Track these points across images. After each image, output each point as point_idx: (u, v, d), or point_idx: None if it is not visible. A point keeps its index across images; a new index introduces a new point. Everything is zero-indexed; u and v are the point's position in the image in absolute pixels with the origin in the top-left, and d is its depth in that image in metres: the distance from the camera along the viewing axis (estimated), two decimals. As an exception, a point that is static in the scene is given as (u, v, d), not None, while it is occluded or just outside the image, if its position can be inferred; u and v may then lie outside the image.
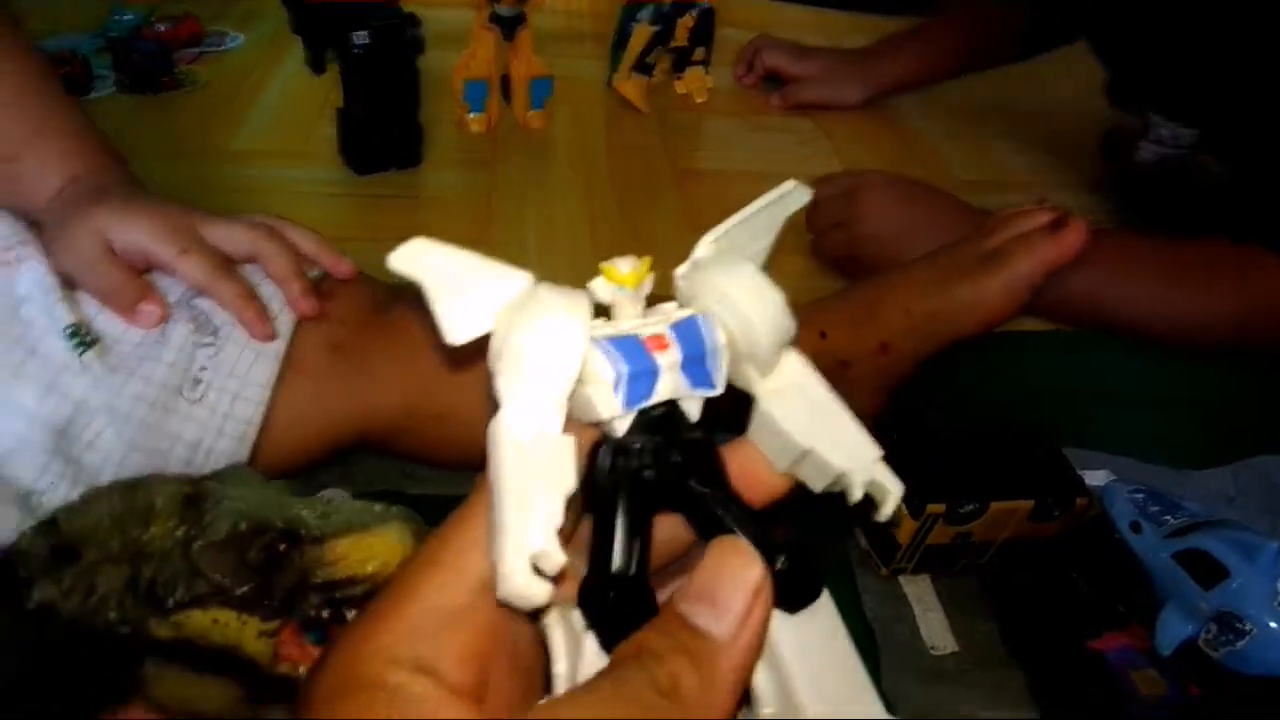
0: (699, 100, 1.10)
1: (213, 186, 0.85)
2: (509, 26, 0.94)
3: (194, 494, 0.38)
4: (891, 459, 0.47)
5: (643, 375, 0.23)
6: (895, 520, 0.49)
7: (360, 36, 0.80)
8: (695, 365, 0.24)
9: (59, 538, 0.36)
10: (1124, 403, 0.62)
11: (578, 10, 1.35)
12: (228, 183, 0.86)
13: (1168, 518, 0.46)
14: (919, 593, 0.52)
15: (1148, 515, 0.46)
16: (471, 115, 0.97)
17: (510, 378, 0.23)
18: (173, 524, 0.37)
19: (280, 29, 0.93)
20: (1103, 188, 0.94)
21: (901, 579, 0.52)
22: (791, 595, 0.23)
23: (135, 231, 0.48)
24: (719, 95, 1.11)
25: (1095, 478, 0.57)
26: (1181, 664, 0.46)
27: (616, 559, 0.22)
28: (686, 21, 1.05)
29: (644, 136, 1.01)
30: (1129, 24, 0.81)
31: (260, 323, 0.47)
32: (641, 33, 1.04)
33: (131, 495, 0.38)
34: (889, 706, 0.23)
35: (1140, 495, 0.47)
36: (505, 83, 0.99)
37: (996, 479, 0.49)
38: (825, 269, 0.77)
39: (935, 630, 0.50)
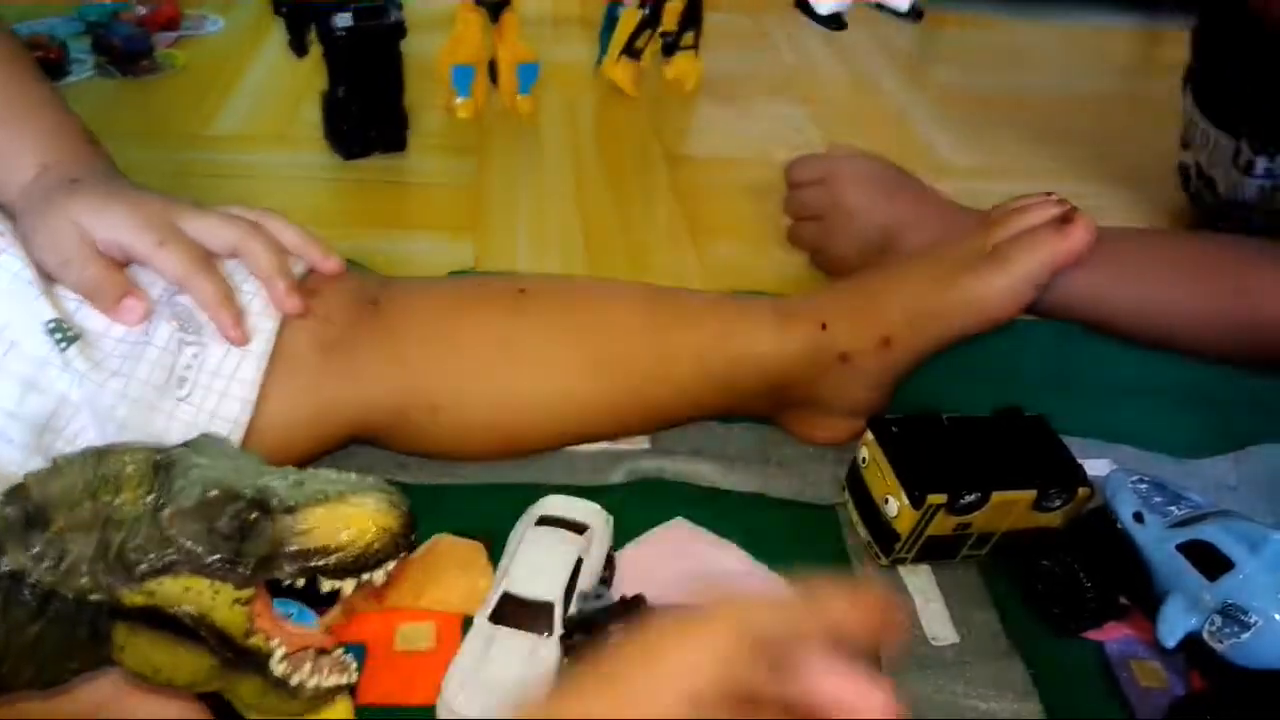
0: (689, 86, 1.08)
1: (194, 172, 0.83)
2: (494, 10, 0.92)
3: (164, 461, 0.37)
4: (893, 450, 0.46)
5: None
6: (896, 510, 0.48)
7: (342, 19, 0.78)
8: None
9: (29, 504, 0.35)
10: (1124, 391, 0.61)
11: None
12: (210, 168, 0.84)
13: (1171, 509, 0.45)
14: (920, 583, 0.51)
15: (1151, 506, 0.46)
16: (459, 100, 0.95)
17: None
18: (143, 490, 0.36)
19: (262, 12, 0.91)
20: (1189, 221, 0.90)
21: (901, 569, 0.51)
22: None
23: (112, 223, 0.46)
24: (710, 81, 1.09)
25: (1096, 467, 0.56)
26: (1185, 656, 0.46)
27: None
28: (675, 6, 1.04)
29: (634, 122, 1.00)
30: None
31: (235, 325, 0.46)
32: (629, 17, 1.02)
33: (102, 462, 0.37)
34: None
35: (1144, 485, 0.47)
36: (492, 68, 0.97)
37: (998, 469, 0.48)
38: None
39: (936, 621, 0.49)
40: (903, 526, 0.48)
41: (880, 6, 1.09)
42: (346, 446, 0.52)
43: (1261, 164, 0.73)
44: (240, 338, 0.46)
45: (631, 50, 1.04)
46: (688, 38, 1.07)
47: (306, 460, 0.50)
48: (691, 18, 1.05)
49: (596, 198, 0.85)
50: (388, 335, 0.49)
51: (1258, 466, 0.56)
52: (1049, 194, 0.54)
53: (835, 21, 1.07)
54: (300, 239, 0.50)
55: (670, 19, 1.04)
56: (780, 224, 0.76)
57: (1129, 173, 0.97)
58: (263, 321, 0.47)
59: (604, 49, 1.05)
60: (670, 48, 1.08)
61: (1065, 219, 0.52)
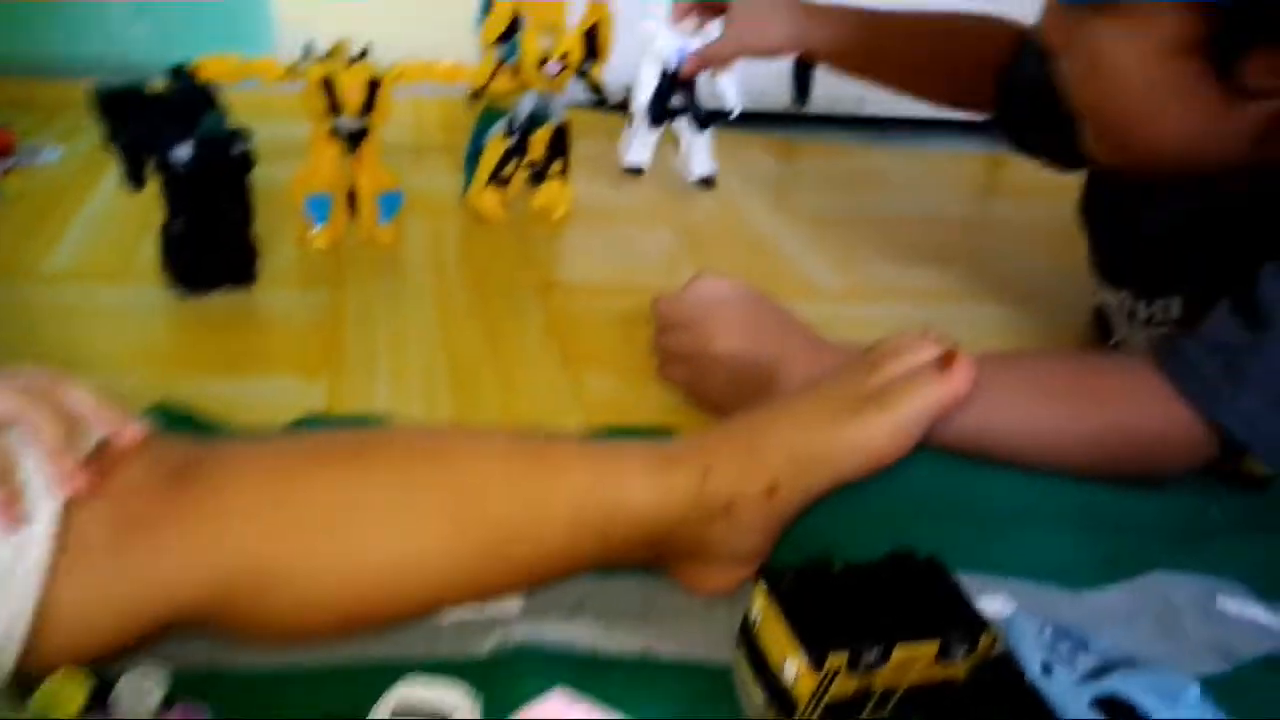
0: (558, 214, 1.07)
1: (23, 312, 0.76)
2: (353, 140, 0.89)
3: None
4: (789, 606, 0.43)
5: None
6: (794, 674, 0.44)
7: (182, 152, 0.73)
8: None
9: None
10: (1012, 519, 0.59)
11: (428, 121, 1.31)
12: (40, 308, 0.77)
13: (1079, 656, 0.43)
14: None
15: (1058, 655, 0.43)
16: (314, 230, 0.90)
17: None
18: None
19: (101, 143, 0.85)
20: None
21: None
22: None
23: None
24: (578, 208, 1.08)
25: (992, 603, 0.54)
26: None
27: None
28: (542, 135, 1.03)
29: (502, 250, 0.97)
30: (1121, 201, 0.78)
31: (5, 509, 0.39)
32: (496, 146, 1.00)
33: None
34: None
35: (1048, 633, 0.44)
36: (351, 196, 0.93)
37: (897, 620, 0.45)
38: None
39: (842, 794, 0.45)
40: (803, 691, 0.44)
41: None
42: (168, 635, 0.45)
43: (1142, 311, 0.75)
44: (10, 518, 0.39)
45: (499, 179, 1.01)
46: (556, 165, 1.06)
47: (121, 650, 0.43)
48: (558, 146, 1.04)
49: (463, 331, 0.81)
50: (202, 508, 0.43)
51: (1150, 597, 0.55)
52: (926, 331, 0.53)
53: (635, 171, 1.10)
54: (94, 405, 0.44)
55: (538, 148, 1.03)
56: (644, 360, 0.74)
57: (997, 290, 0.99)
58: (44, 502, 0.40)
59: (470, 178, 1.03)
60: (538, 176, 1.06)
61: (946, 360, 0.50)
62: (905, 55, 1.01)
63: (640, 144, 1.11)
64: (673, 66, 1.07)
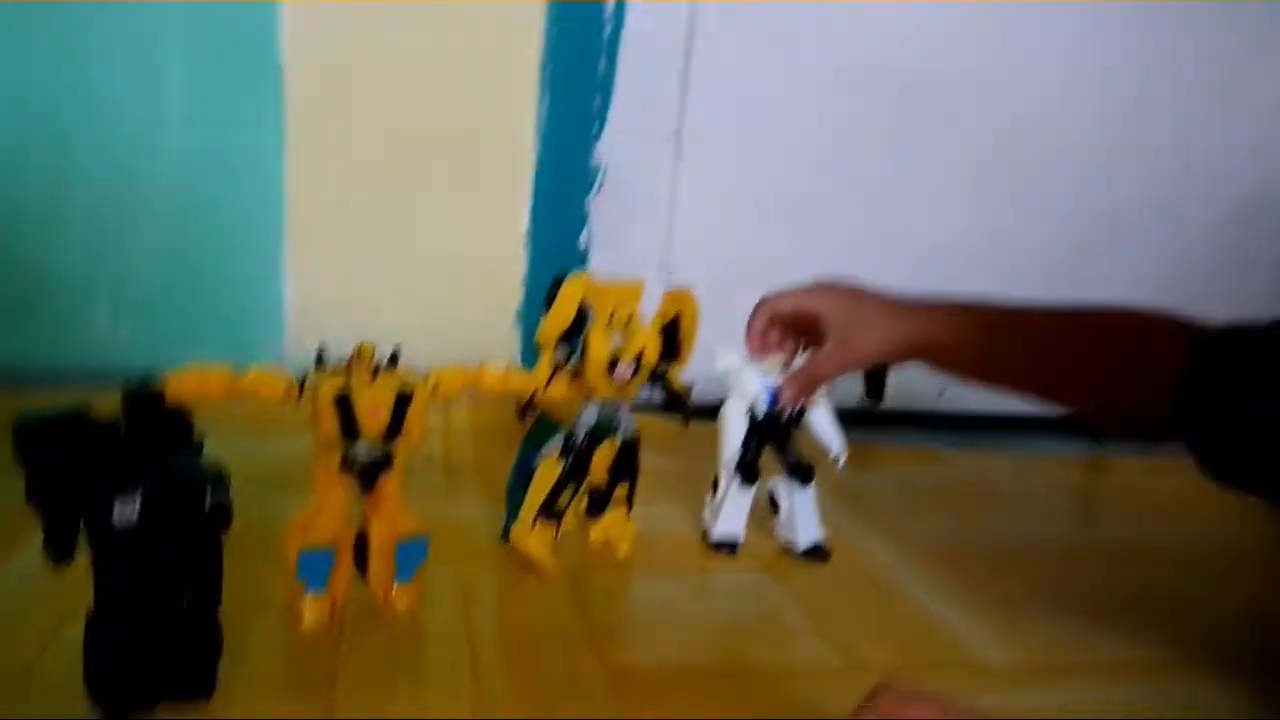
0: (620, 553, 0.83)
1: None
2: (369, 474, 0.66)
3: None
4: None
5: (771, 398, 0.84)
6: None
7: (125, 511, 0.51)
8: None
9: None
10: None
11: (458, 428, 1.11)
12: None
13: None
14: None
15: None
16: (308, 597, 0.66)
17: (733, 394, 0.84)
18: None
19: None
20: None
21: None
22: None
23: None
24: (645, 544, 0.85)
25: None
26: None
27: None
28: (605, 452, 0.81)
29: (555, 612, 0.72)
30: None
31: None
32: (549, 469, 0.78)
33: None
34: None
35: None
36: (359, 546, 0.70)
37: None
38: None
39: None
40: None
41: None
42: None
43: None
44: None
45: (551, 512, 0.79)
46: (620, 490, 0.84)
47: None
48: (626, 466, 0.83)
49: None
50: None
51: None
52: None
53: (729, 548, 0.87)
54: None
55: (599, 469, 0.82)
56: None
57: (1204, 655, 0.74)
58: None
59: (513, 511, 0.80)
60: (598, 504, 0.84)
61: None
62: (1036, 359, 0.81)
63: (732, 511, 0.87)
64: (763, 412, 0.86)
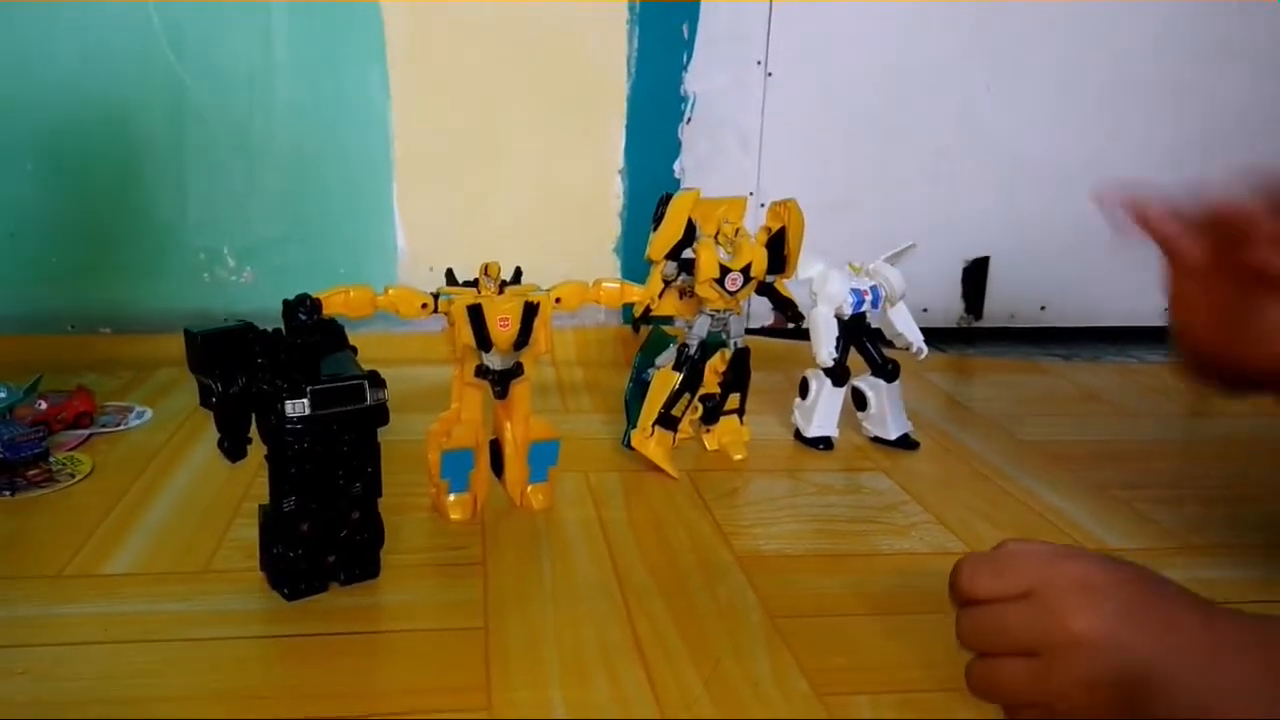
0: (737, 457, 0.86)
1: (67, 629, 0.56)
2: (502, 381, 0.71)
3: None
4: None
5: (857, 300, 0.86)
6: None
7: (296, 406, 0.56)
8: (875, 299, 0.87)
9: None
10: None
11: (569, 358, 1.15)
12: (91, 623, 0.57)
13: None
14: None
15: None
16: (451, 497, 0.71)
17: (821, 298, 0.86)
18: None
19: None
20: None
21: None
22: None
23: None
24: (758, 448, 0.88)
25: None
26: None
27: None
28: (716, 364, 0.84)
29: (680, 509, 0.76)
30: None
31: None
32: (664, 380, 0.82)
33: None
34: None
35: None
36: (495, 449, 0.74)
37: None
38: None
39: None
40: None
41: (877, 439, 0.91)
42: None
43: None
44: None
45: (668, 420, 0.82)
46: (733, 400, 0.87)
47: None
48: (738, 376, 0.85)
49: (654, 619, 0.59)
50: None
51: None
52: None
53: (825, 443, 0.89)
54: None
55: (712, 379, 0.84)
56: (950, 658, 0.49)
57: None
58: None
59: (632, 420, 0.84)
60: (712, 413, 0.87)
61: None
62: None
63: (826, 410, 0.90)
64: (849, 313, 0.88)
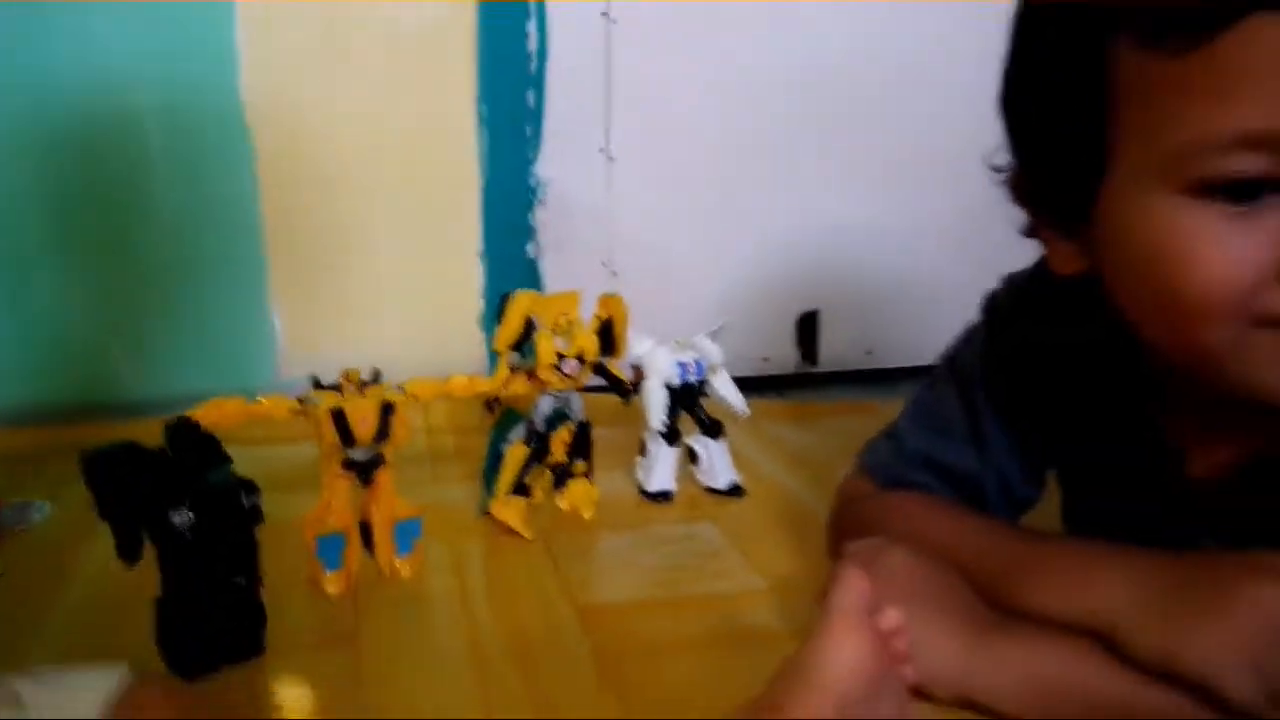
0: (586, 516, 0.99)
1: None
2: (366, 471, 0.82)
3: None
4: None
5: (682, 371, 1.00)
6: None
7: (180, 516, 0.66)
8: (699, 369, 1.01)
9: None
10: None
11: (437, 426, 1.26)
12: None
13: None
14: None
15: None
16: (327, 574, 0.82)
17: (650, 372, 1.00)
18: None
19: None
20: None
21: None
22: None
23: None
24: (606, 506, 1.01)
25: None
26: None
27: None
28: (562, 436, 0.97)
29: (532, 569, 0.88)
30: None
31: None
32: (516, 453, 0.94)
33: None
34: None
35: None
36: (365, 529, 0.85)
37: None
38: None
39: None
40: None
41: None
42: None
43: None
44: None
45: (521, 487, 0.94)
46: (579, 465, 0.99)
47: None
48: (581, 445, 0.98)
49: (501, 675, 0.70)
50: None
51: None
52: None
53: (665, 496, 1.03)
54: None
55: (559, 448, 0.97)
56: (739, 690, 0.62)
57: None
58: None
59: (490, 489, 0.96)
60: (561, 477, 0.99)
61: None
62: None
63: (663, 468, 1.04)
64: (677, 383, 1.02)
